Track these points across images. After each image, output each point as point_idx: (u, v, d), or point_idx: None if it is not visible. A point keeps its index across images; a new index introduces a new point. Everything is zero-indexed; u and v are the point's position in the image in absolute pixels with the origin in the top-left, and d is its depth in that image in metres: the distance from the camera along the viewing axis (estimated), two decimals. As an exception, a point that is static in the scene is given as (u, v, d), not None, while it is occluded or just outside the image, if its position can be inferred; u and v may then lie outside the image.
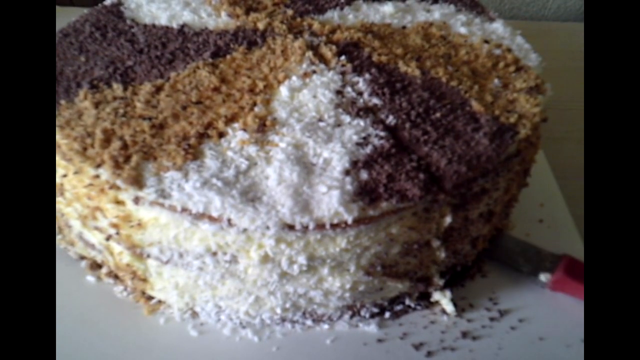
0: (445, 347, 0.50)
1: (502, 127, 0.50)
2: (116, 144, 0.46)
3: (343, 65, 0.56)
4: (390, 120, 0.50)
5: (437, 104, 0.52)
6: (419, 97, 0.52)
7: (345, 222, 0.43)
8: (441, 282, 0.53)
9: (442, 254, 0.50)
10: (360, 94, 0.54)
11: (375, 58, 0.58)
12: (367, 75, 0.54)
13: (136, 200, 0.44)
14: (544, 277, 0.55)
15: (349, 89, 0.54)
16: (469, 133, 0.49)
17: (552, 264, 0.55)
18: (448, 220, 0.47)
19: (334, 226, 0.43)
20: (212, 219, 0.42)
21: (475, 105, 0.52)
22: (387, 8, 0.69)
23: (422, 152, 0.47)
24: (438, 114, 0.50)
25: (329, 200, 0.42)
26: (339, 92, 0.53)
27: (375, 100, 0.52)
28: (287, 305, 0.49)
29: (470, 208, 0.49)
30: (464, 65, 0.58)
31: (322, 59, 0.58)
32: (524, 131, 0.50)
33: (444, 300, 0.53)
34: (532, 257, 0.56)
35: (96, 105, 0.51)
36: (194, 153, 0.46)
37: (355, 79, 0.54)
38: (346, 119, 0.50)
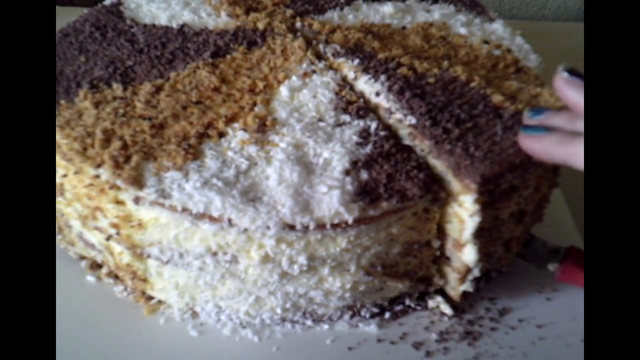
0: (445, 347, 0.50)
1: None
2: (116, 144, 0.46)
3: (356, 71, 0.55)
4: (410, 120, 0.49)
5: (457, 101, 0.50)
6: (436, 96, 0.51)
7: (346, 222, 0.43)
8: (441, 282, 0.53)
9: (473, 256, 0.48)
10: (361, 95, 0.54)
11: (391, 64, 0.56)
12: (382, 77, 0.53)
13: (136, 200, 0.44)
14: (552, 266, 0.54)
15: (348, 89, 0.54)
16: (493, 128, 0.47)
17: (559, 254, 0.54)
18: (477, 219, 0.45)
19: (334, 226, 0.43)
20: (212, 219, 0.42)
21: (496, 99, 0.50)
22: (387, 8, 0.69)
23: (445, 150, 0.45)
24: (458, 111, 0.49)
25: (330, 200, 0.42)
26: (338, 92, 0.53)
27: (392, 101, 0.51)
28: (287, 305, 0.49)
29: (500, 207, 0.47)
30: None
31: (333, 65, 0.57)
32: None
33: (441, 304, 0.53)
34: (538, 248, 0.55)
35: (96, 105, 0.51)
36: (194, 153, 0.46)
37: (371, 80, 0.53)
38: (346, 118, 0.50)
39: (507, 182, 0.45)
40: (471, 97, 0.51)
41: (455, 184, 0.45)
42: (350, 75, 0.56)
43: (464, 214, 0.46)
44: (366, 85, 0.54)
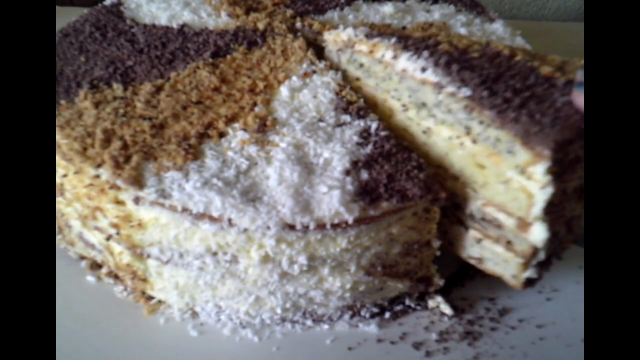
0: (445, 347, 0.50)
1: None
2: (116, 144, 0.46)
3: (395, 49, 0.53)
4: (464, 92, 0.46)
5: (508, 73, 0.48)
6: (485, 68, 0.49)
7: (346, 222, 0.43)
8: (441, 282, 0.53)
9: (543, 234, 0.44)
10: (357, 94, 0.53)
11: (429, 41, 0.54)
12: (425, 53, 0.51)
13: (136, 200, 0.44)
14: None
15: (348, 88, 0.54)
16: (552, 96, 0.45)
17: None
18: (549, 190, 0.42)
19: (334, 226, 0.43)
20: (212, 219, 0.42)
21: (545, 71, 0.48)
22: (387, 8, 0.69)
23: (510, 118, 0.43)
24: (512, 81, 0.47)
25: (330, 200, 0.42)
26: (338, 92, 0.53)
27: (441, 75, 0.48)
28: (287, 305, 0.49)
29: (567, 179, 0.44)
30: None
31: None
32: None
33: (441, 304, 0.53)
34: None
35: (96, 105, 0.51)
36: (194, 153, 0.46)
37: (414, 57, 0.51)
38: (346, 118, 0.50)
39: (574, 152, 0.43)
40: (520, 70, 0.49)
41: (522, 154, 0.43)
42: (388, 54, 0.53)
43: (534, 187, 0.43)
44: (409, 62, 0.51)
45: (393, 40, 0.53)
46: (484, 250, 0.51)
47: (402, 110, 0.52)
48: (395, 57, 0.52)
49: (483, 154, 0.46)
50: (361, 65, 0.56)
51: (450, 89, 0.47)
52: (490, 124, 0.45)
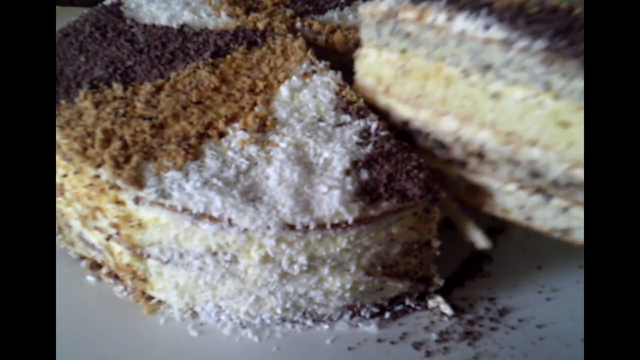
0: (445, 347, 0.50)
1: None
2: (116, 144, 0.46)
3: (449, 11, 0.48)
4: (539, 44, 0.43)
5: (575, 24, 0.44)
6: (550, 21, 0.45)
7: (346, 222, 0.43)
8: (441, 282, 0.53)
9: None
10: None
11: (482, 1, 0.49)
12: (483, 11, 0.47)
13: (136, 200, 0.44)
14: None
15: (348, 88, 0.54)
16: None
17: None
18: None
19: (334, 226, 0.43)
20: (212, 219, 0.42)
21: None
22: (387, 8, 0.69)
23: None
24: (584, 32, 0.43)
25: (330, 200, 0.42)
26: (338, 92, 0.53)
27: (508, 30, 0.45)
28: (287, 305, 0.49)
29: None
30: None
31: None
32: None
33: (441, 304, 0.53)
34: None
35: (96, 105, 0.51)
36: (194, 153, 0.46)
37: (472, 15, 0.47)
38: (346, 118, 0.50)
39: None
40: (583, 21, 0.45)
41: None
42: (441, 18, 0.49)
43: None
44: (467, 22, 0.47)
45: (443, 2, 0.49)
46: (571, 220, 0.47)
47: (463, 77, 0.48)
48: (449, 19, 0.48)
49: (568, 109, 0.43)
50: (408, 35, 0.51)
51: (522, 43, 0.43)
52: (576, 74, 0.41)
